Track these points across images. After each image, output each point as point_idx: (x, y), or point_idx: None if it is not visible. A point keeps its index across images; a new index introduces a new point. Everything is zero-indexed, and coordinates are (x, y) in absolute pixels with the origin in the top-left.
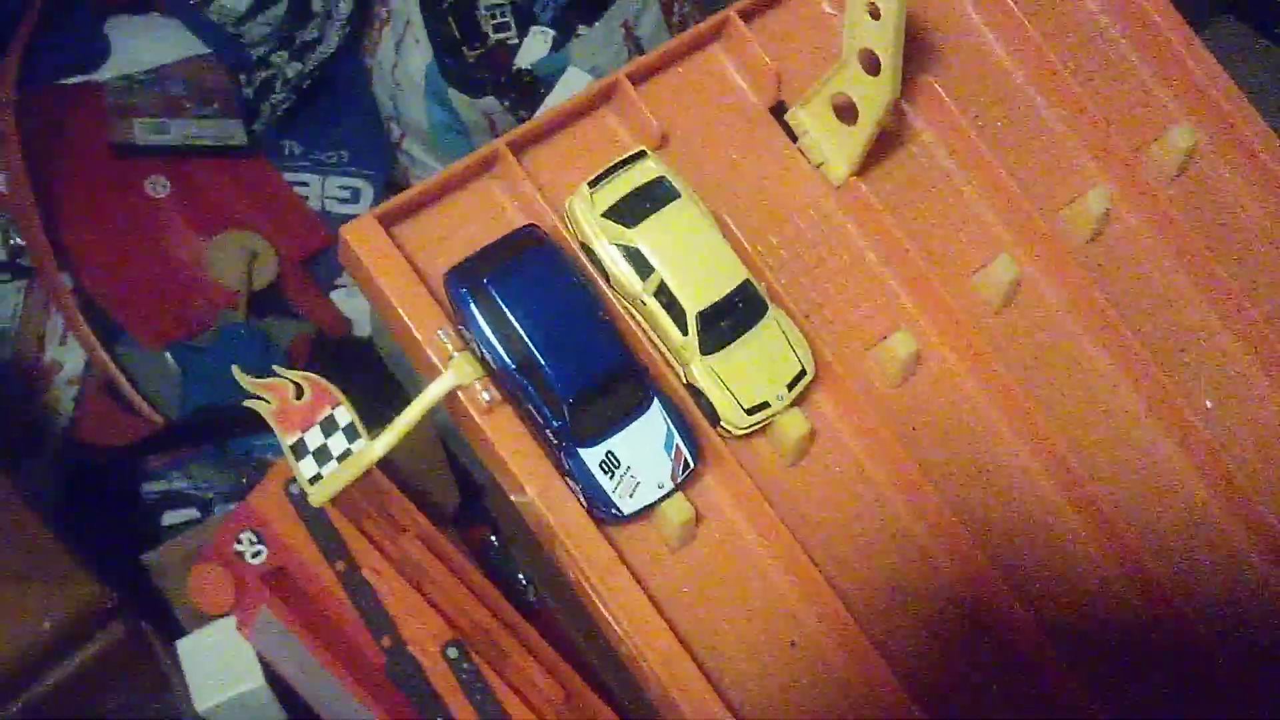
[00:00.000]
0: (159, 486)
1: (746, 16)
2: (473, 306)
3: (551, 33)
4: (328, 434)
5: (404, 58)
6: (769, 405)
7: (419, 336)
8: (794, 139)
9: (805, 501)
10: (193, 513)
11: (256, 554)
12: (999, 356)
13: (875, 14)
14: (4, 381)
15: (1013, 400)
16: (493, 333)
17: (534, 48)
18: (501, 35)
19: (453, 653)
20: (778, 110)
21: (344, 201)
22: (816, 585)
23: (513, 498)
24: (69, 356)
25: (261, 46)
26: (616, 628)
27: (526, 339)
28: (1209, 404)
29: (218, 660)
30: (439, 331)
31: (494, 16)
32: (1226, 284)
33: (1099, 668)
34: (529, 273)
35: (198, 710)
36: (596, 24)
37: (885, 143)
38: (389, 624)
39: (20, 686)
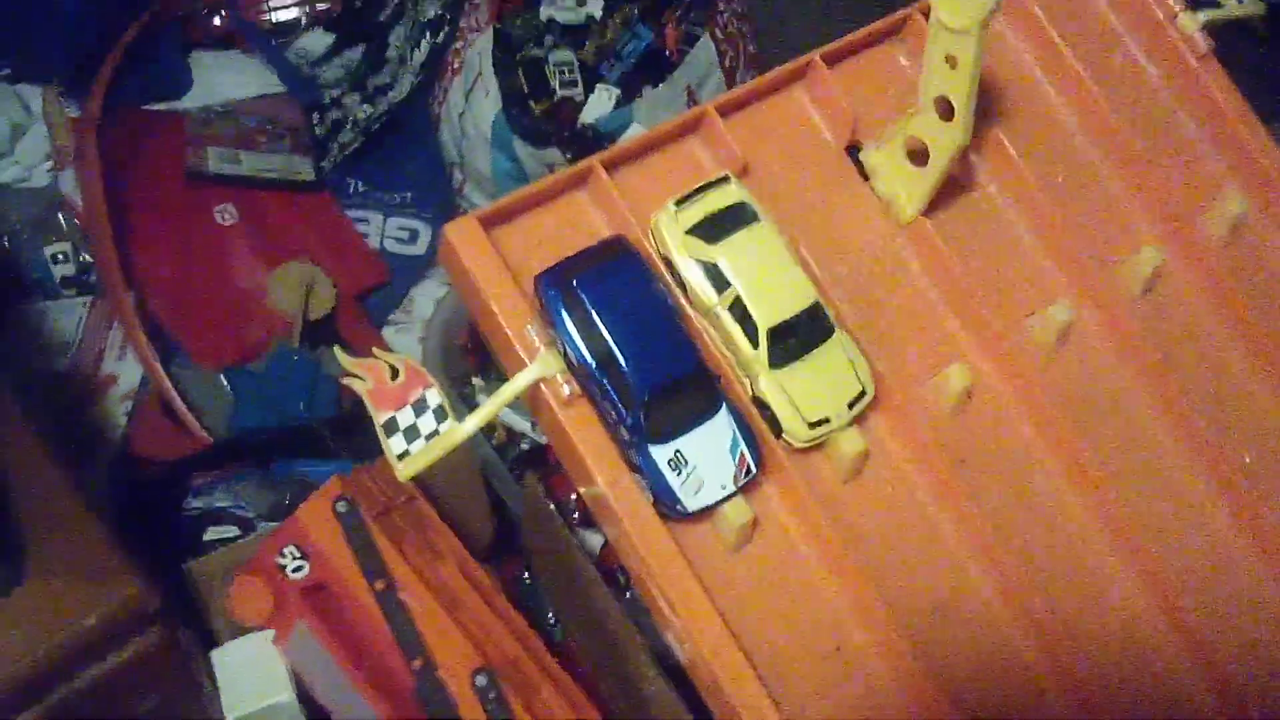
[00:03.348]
0: (202, 503)
1: (829, 61)
2: (561, 306)
3: (617, 91)
4: (419, 414)
5: (473, 107)
6: (829, 421)
7: (509, 330)
8: (866, 178)
9: (857, 517)
10: (233, 530)
11: (298, 569)
12: (1048, 396)
13: (953, 63)
14: (62, 391)
15: (1060, 438)
16: (578, 331)
17: (599, 104)
18: (568, 91)
19: (481, 681)
20: (852, 150)
21: (403, 241)
22: (864, 596)
23: (582, 489)
24: (125, 371)
25: (335, 88)
26: (671, 615)
27: (609, 339)
28: (1248, 459)
29: (251, 671)
30: (527, 327)
31: (562, 73)
32: (1269, 347)
33: (1137, 702)
34: (615, 279)
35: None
36: (661, 85)
37: (951, 188)
38: (421, 647)
39: (57, 680)
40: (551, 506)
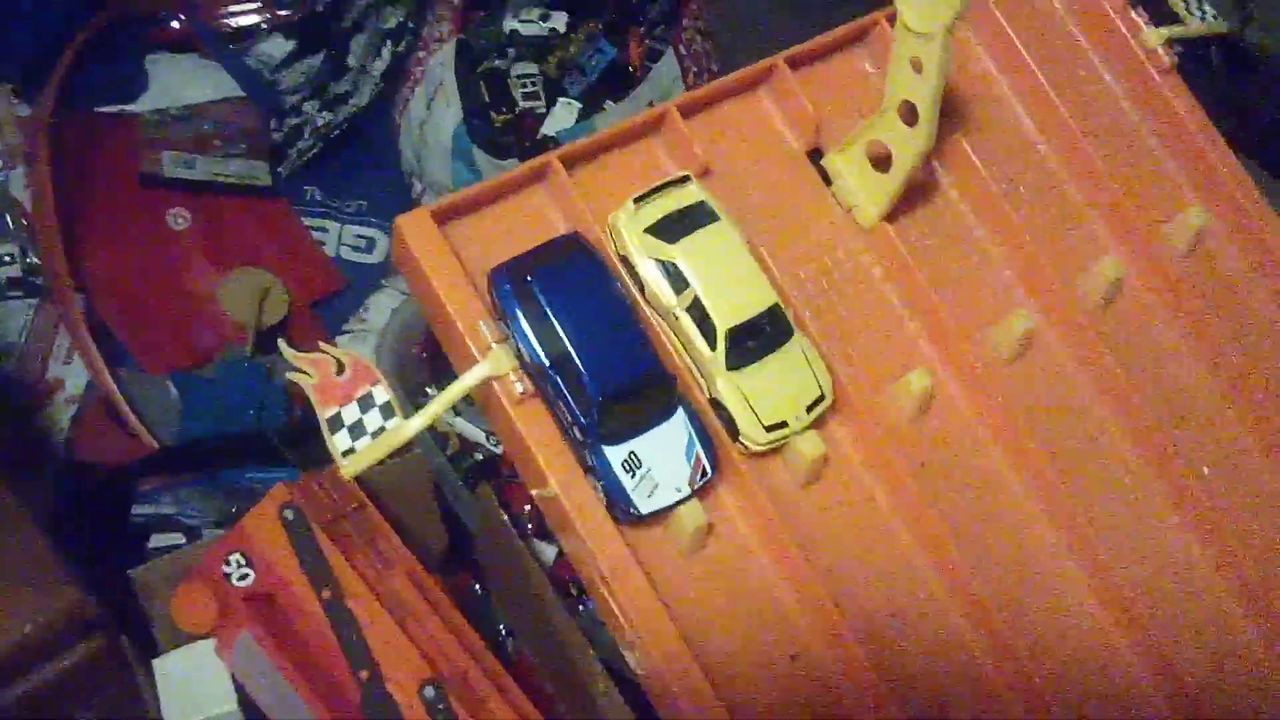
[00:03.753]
0: (148, 509)
1: (793, 65)
2: (515, 302)
3: (579, 105)
4: (365, 410)
5: (434, 116)
6: (787, 425)
7: (460, 326)
8: (828, 183)
9: (814, 523)
10: (179, 538)
11: (243, 577)
12: (1008, 404)
13: (918, 68)
14: (5, 395)
15: (1019, 447)
16: (531, 329)
17: (561, 117)
18: (530, 104)
19: (430, 693)
20: (814, 155)
21: (359, 250)
22: (821, 603)
23: (534, 491)
24: (71, 375)
25: (295, 94)
26: (624, 620)
27: (564, 337)
28: (1206, 470)
29: (193, 681)
30: (480, 323)
31: (524, 85)
32: (1230, 359)
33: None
34: (571, 276)
35: None
36: (624, 100)
37: (914, 195)
38: (369, 658)
39: None
40: (505, 518)
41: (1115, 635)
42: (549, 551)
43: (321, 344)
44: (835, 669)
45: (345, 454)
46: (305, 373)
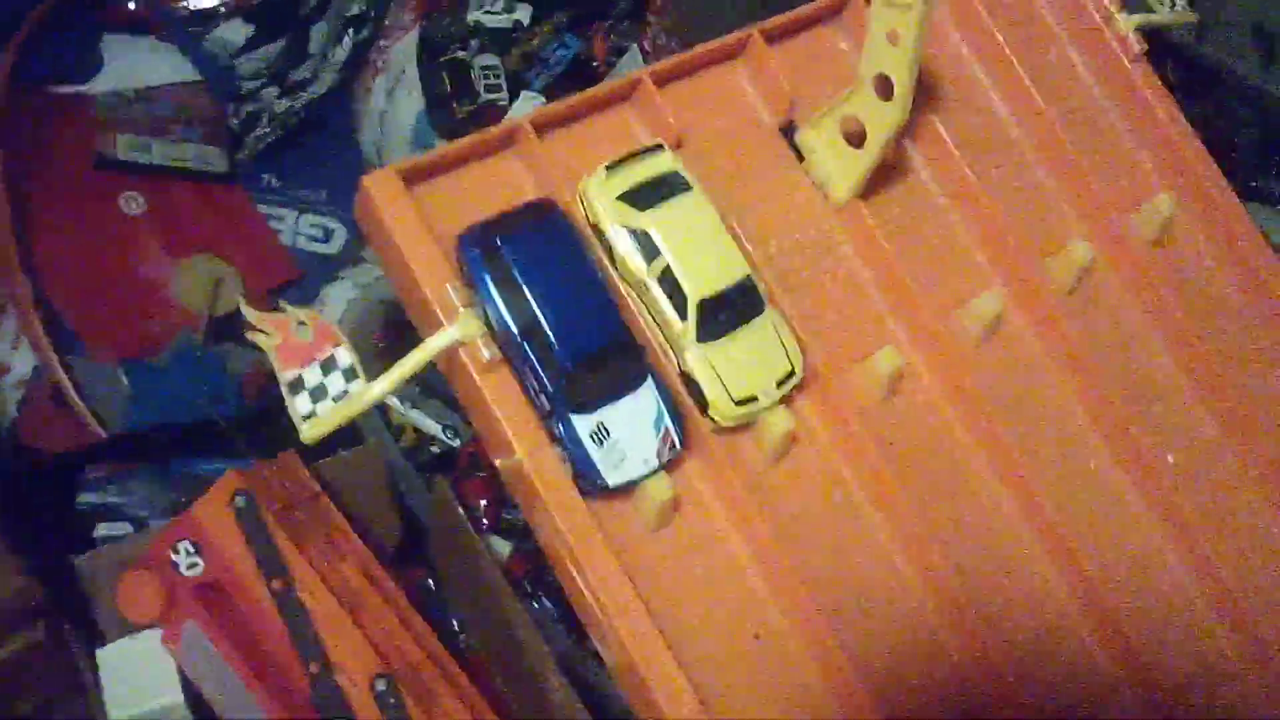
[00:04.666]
0: (95, 498)
1: (768, 39)
2: (483, 267)
3: (541, 99)
4: (327, 373)
5: (395, 106)
6: (757, 400)
7: (426, 290)
8: (801, 159)
9: (782, 500)
10: (126, 527)
11: (192, 566)
12: (976, 386)
13: (894, 40)
14: None
15: (986, 429)
16: (499, 294)
17: (523, 110)
18: (493, 96)
19: (381, 686)
20: (787, 131)
21: (316, 240)
22: (786, 582)
23: (497, 461)
24: (19, 359)
25: (253, 81)
26: (589, 595)
27: (532, 303)
28: (1171, 458)
29: (138, 672)
30: (447, 286)
31: (487, 77)
32: (1196, 347)
33: (1054, 692)
34: (541, 241)
35: None
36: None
37: (886, 174)
38: (319, 650)
39: None
40: (460, 511)
41: (1080, 619)
42: (503, 547)
43: (283, 302)
44: (800, 648)
45: (306, 418)
46: (265, 332)
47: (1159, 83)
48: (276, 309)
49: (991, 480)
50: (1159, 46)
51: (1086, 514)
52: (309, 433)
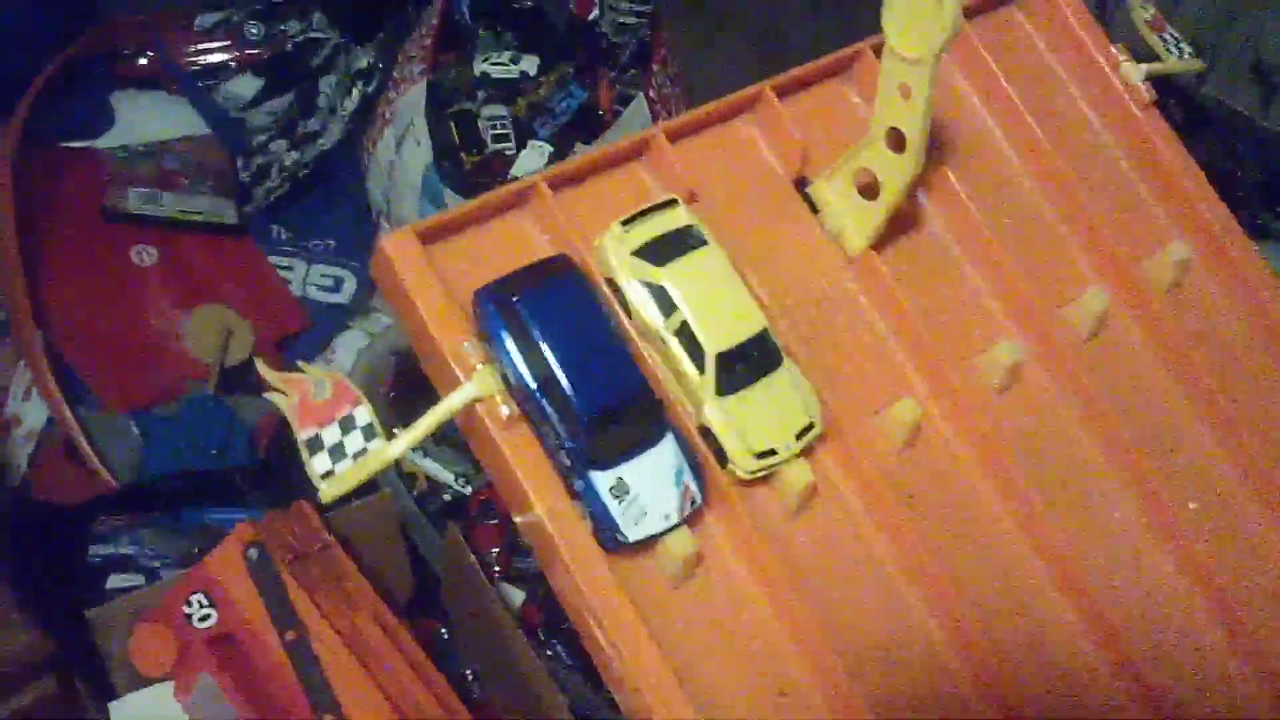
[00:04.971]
0: (107, 550)
1: (779, 93)
2: (500, 323)
3: (549, 148)
4: (346, 432)
5: (403, 156)
6: (776, 453)
7: (444, 348)
8: (815, 211)
9: (803, 554)
10: (138, 579)
11: (205, 618)
12: (996, 435)
13: (906, 94)
14: None
15: (1006, 478)
16: (518, 350)
17: (530, 159)
18: (500, 145)
19: None
20: (800, 183)
21: (326, 290)
22: (810, 638)
23: (517, 517)
24: (30, 412)
25: (263, 133)
26: (611, 652)
27: (549, 358)
28: (1192, 505)
29: None
30: (464, 344)
31: (495, 127)
32: (1213, 393)
33: None
34: (558, 297)
35: None
36: (594, 144)
37: (900, 224)
38: (332, 701)
39: None
40: (473, 559)
41: (1101, 667)
42: (517, 595)
43: (302, 364)
44: (824, 705)
45: (324, 476)
46: (284, 392)
47: (1169, 130)
48: (294, 368)
49: (1012, 530)
50: (1161, 87)
51: (1107, 563)
52: (328, 492)
